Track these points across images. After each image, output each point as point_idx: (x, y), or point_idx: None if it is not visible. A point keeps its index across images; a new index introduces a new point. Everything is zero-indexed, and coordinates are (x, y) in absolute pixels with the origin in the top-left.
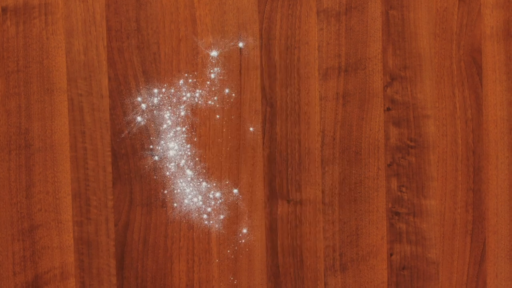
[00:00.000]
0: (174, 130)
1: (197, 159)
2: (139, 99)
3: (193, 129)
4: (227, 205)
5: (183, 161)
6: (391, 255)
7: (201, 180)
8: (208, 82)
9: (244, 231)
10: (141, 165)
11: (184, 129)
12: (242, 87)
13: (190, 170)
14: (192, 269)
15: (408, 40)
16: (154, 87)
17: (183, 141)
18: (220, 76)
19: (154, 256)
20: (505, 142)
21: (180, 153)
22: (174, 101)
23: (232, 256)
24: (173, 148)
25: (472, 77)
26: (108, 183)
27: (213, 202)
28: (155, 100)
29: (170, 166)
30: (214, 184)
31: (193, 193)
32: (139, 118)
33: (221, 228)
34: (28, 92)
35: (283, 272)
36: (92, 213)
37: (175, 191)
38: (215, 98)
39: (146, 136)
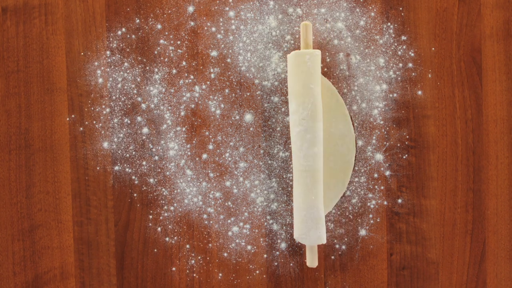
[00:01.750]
0: (174, 130)
1: (197, 159)
2: (139, 99)
3: (193, 129)
4: (227, 205)
5: (183, 161)
6: (391, 255)
7: (201, 180)
8: (208, 82)
9: (245, 231)
10: (141, 165)
11: (184, 129)
12: None
13: (190, 170)
14: (192, 269)
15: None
16: (155, 87)
17: (183, 141)
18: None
19: (154, 256)
20: (505, 142)
21: (180, 153)
22: (174, 101)
23: (232, 256)
24: (173, 148)
25: (472, 77)
26: (108, 183)
27: (213, 202)
28: (155, 100)
29: (170, 166)
30: (214, 184)
31: (193, 193)
32: (139, 118)
33: (221, 228)
34: (28, 92)
35: (283, 272)
36: (92, 213)
37: (175, 191)
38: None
39: (146, 136)
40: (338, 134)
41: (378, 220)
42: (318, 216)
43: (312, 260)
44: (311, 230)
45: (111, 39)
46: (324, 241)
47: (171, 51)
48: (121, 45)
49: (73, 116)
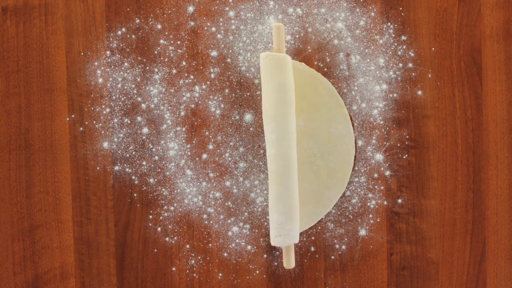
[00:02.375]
0: (174, 130)
1: (197, 159)
2: (139, 99)
3: (193, 129)
4: (227, 205)
5: (183, 161)
6: (391, 255)
7: (201, 180)
8: (208, 82)
9: (245, 231)
10: (141, 165)
11: (184, 129)
12: None
13: (190, 170)
14: (192, 269)
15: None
16: (154, 87)
17: (183, 141)
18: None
19: (154, 256)
20: (505, 142)
21: (180, 153)
22: (174, 101)
23: (232, 256)
24: (173, 148)
25: (472, 77)
26: (108, 183)
27: (213, 202)
28: (155, 100)
29: (170, 166)
30: (214, 184)
31: (193, 193)
32: (139, 118)
33: (221, 228)
34: (28, 92)
35: (283, 272)
36: (92, 213)
37: (175, 191)
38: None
39: (146, 136)
40: (338, 134)
41: (378, 220)
42: (272, 218)
43: (286, 261)
44: (270, 230)
45: (111, 39)
46: (278, 244)
47: (171, 51)
48: (121, 45)
49: (73, 116)
